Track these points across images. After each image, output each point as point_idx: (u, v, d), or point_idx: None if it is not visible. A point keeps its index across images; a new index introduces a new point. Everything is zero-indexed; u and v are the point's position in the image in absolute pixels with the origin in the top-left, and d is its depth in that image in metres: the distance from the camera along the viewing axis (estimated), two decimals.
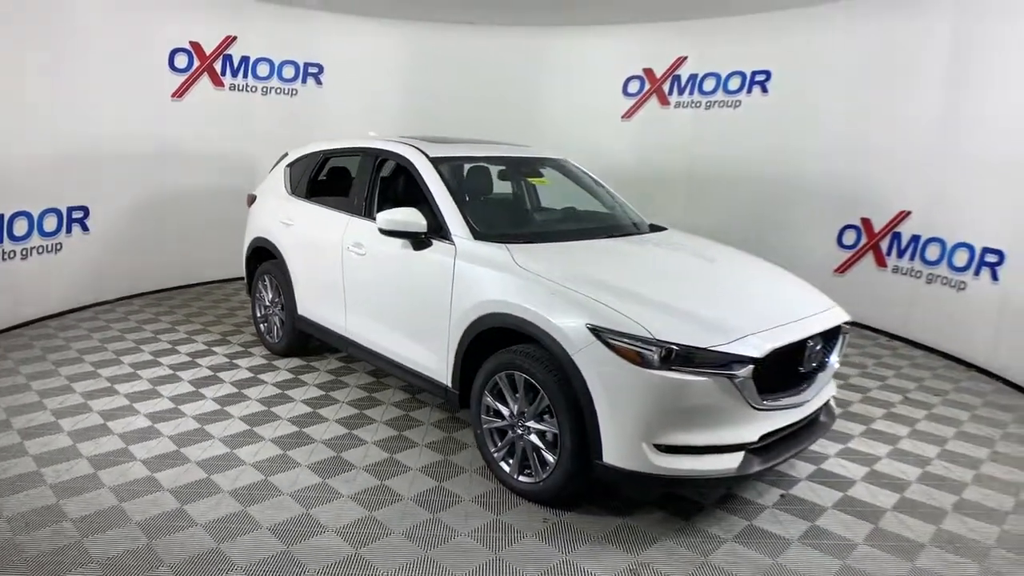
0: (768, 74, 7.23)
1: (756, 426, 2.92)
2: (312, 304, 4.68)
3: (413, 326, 3.84)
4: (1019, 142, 5.05)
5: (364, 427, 4.03)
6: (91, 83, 6.03)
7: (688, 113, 7.88)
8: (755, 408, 2.88)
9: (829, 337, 3.36)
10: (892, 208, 6.24)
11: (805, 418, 3.22)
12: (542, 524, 3.08)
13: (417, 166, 3.98)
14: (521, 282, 3.21)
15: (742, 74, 7.41)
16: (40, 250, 5.77)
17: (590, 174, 4.81)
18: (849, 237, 6.66)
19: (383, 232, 3.67)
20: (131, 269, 6.69)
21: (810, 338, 3.09)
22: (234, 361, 5.05)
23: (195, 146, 7.03)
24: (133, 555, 2.75)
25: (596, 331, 2.86)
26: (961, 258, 5.59)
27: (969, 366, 5.49)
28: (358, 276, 4.19)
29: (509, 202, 4.56)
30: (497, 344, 3.35)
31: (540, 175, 4.50)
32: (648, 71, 8.06)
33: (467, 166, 4.36)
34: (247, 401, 4.33)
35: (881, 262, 6.39)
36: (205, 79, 7.05)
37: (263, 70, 7.49)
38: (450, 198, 3.74)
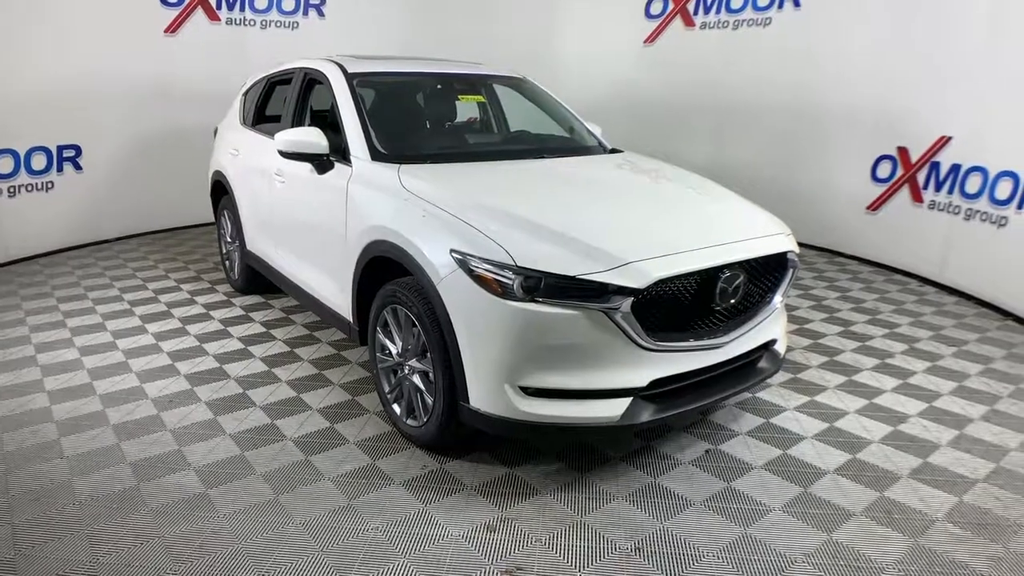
0: None
1: (647, 370, 2.50)
2: (254, 237, 4.48)
3: (318, 256, 3.56)
4: None
5: (286, 365, 3.83)
6: (78, 18, 5.96)
7: (715, 35, 7.10)
8: (644, 348, 2.45)
9: (769, 269, 2.85)
10: (931, 134, 5.40)
11: (727, 362, 2.75)
12: (419, 471, 2.80)
13: (331, 82, 3.63)
14: (400, 204, 2.86)
15: None
16: (29, 188, 5.85)
17: (551, 94, 4.34)
18: (884, 169, 5.85)
19: (281, 154, 3.37)
20: (130, 209, 6.72)
21: (725, 267, 2.60)
22: (194, 298, 4.96)
23: (192, 83, 6.88)
24: None
25: (460, 257, 2.49)
26: (1004, 189, 4.77)
27: (1006, 315, 4.73)
28: (281, 206, 3.94)
29: (440, 122, 4.09)
30: (393, 275, 3.02)
31: (478, 93, 4.06)
32: None
33: (395, 83, 3.95)
34: (184, 337, 4.22)
35: (917, 197, 5.58)
36: (200, 13, 6.87)
37: (261, 2, 7.23)
38: (355, 116, 3.37)
